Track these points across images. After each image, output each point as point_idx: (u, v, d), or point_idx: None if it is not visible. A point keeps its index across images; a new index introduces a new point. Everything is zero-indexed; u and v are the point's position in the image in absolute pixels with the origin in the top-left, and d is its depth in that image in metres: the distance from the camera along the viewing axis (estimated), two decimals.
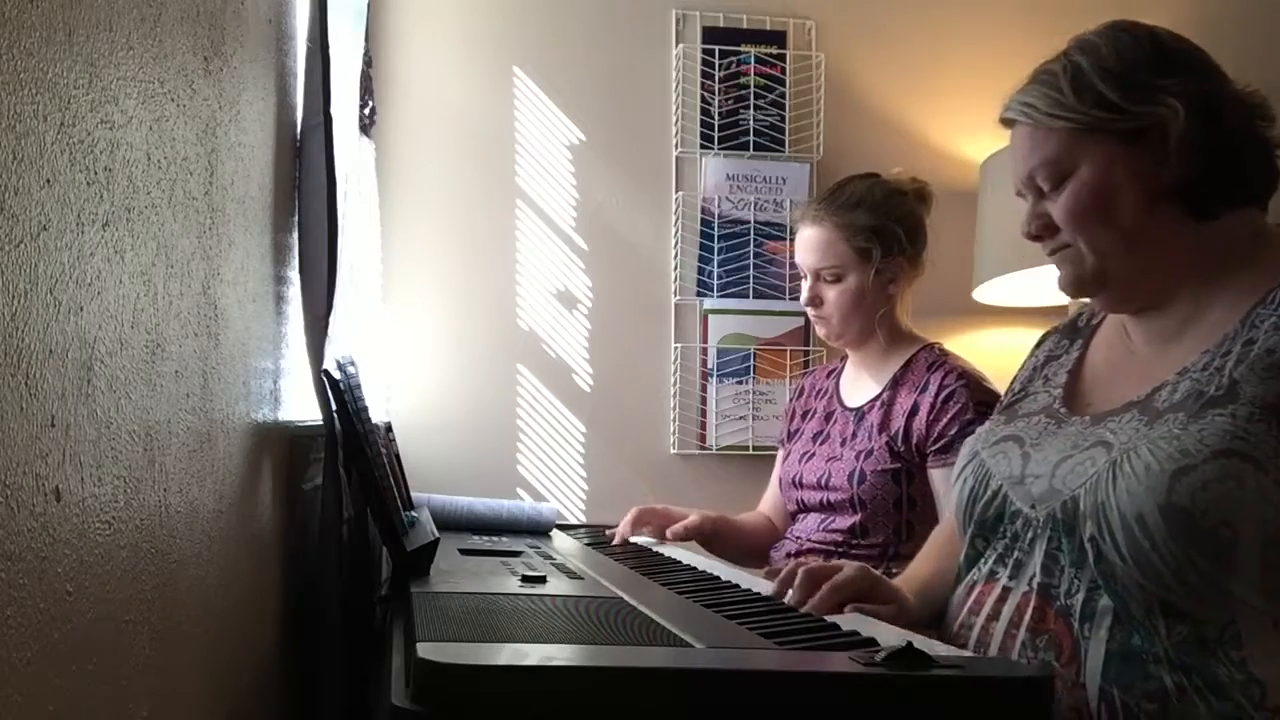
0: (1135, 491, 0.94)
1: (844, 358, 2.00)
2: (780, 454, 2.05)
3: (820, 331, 1.92)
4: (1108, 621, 0.96)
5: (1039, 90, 1.09)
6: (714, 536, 1.90)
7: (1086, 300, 1.20)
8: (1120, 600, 0.96)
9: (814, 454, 1.89)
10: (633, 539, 1.83)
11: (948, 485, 1.41)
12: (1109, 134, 1.05)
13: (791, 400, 2.09)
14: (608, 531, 1.88)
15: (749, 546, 1.98)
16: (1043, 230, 1.12)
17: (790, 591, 1.13)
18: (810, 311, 1.90)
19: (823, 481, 1.83)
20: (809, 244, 1.87)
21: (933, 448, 1.73)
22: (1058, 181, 1.09)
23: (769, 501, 2.07)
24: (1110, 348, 1.17)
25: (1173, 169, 1.04)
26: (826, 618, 1.04)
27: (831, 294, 1.85)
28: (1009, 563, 1.08)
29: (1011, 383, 1.29)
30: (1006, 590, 1.07)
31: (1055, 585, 1.01)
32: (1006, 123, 1.15)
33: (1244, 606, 0.92)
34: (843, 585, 1.12)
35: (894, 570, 1.37)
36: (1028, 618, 1.02)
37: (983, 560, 1.12)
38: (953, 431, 1.70)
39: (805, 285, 1.89)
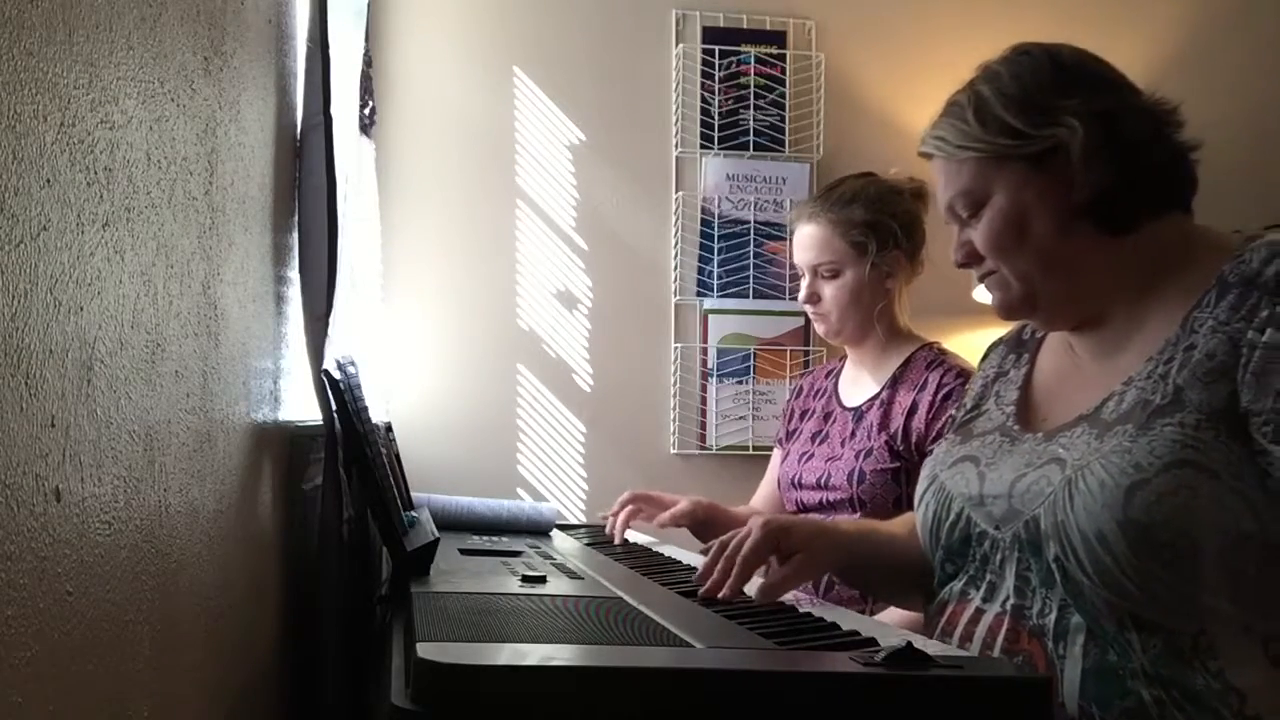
0: (1093, 509, 0.94)
1: (843, 358, 2.01)
2: (777, 454, 2.05)
3: (819, 329, 1.92)
4: (1081, 639, 0.95)
5: (948, 123, 1.11)
6: (705, 524, 1.89)
7: None
8: (1091, 617, 0.95)
9: (813, 454, 1.89)
10: (631, 538, 1.83)
11: None
12: (1016, 160, 1.06)
13: (790, 400, 2.09)
14: (600, 515, 1.88)
15: None
16: (968, 258, 1.13)
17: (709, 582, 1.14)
18: (809, 309, 1.90)
19: (822, 481, 1.83)
20: (805, 241, 1.87)
21: (931, 447, 1.73)
22: (974, 210, 1.10)
23: (761, 498, 2.07)
24: (1057, 361, 1.17)
25: (1081, 187, 1.04)
26: (825, 617, 1.04)
27: (829, 290, 1.86)
28: (981, 585, 1.07)
29: (963, 398, 1.29)
30: (980, 611, 1.06)
31: (1028, 606, 1.01)
32: (925, 155, 1.16)
33: (1214, 615, 0.91)
34: (749, 557, 1.13)
35: None
36: (1001, 639, 1.02)
37: (954, 581, 1.12)
38: None
39: (804, 283, 1.90)
